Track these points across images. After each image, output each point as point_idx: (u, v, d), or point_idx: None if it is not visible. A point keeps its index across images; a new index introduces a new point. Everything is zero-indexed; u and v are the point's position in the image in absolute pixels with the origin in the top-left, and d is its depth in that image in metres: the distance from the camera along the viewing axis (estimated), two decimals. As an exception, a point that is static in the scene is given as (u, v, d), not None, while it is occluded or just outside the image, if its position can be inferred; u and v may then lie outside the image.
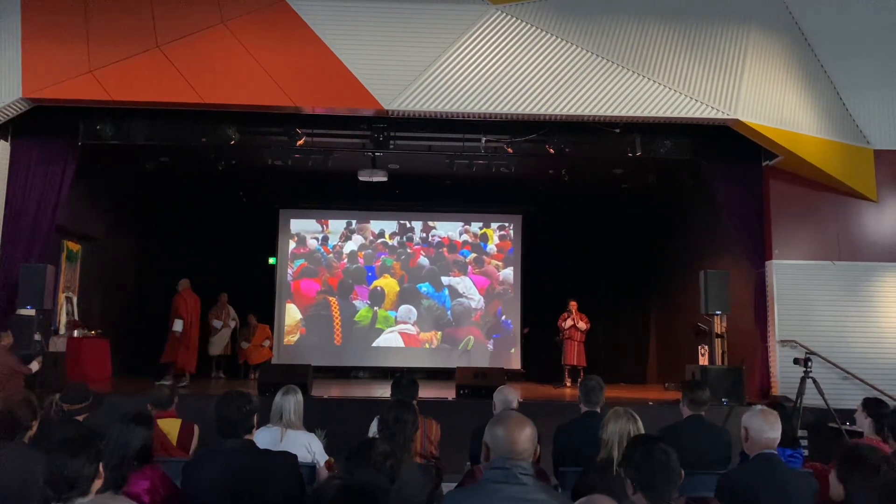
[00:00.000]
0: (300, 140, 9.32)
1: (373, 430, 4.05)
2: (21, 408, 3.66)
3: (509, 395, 4.65)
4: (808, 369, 7.49)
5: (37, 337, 8.29)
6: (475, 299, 13.63)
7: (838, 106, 9.15)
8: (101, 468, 2.58)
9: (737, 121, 8.44)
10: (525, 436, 2.46)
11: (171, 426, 4.44)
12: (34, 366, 7.49)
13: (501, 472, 2.38)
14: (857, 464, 2.59)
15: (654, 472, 2.48)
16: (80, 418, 4.29)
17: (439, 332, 13.41)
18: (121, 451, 3.04)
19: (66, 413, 4.31)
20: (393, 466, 2.70)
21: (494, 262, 13.80)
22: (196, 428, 4.59)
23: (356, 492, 1.79)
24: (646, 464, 2.50)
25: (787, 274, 9.08)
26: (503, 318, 13.63)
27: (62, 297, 10.09)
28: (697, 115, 8.48)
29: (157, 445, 3.58)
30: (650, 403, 8.47)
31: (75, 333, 9.95)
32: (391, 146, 9.53)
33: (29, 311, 8.33)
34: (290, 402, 4.28)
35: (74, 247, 10.57)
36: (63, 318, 10.11)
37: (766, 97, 8.63)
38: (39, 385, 7.36)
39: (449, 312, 13.54)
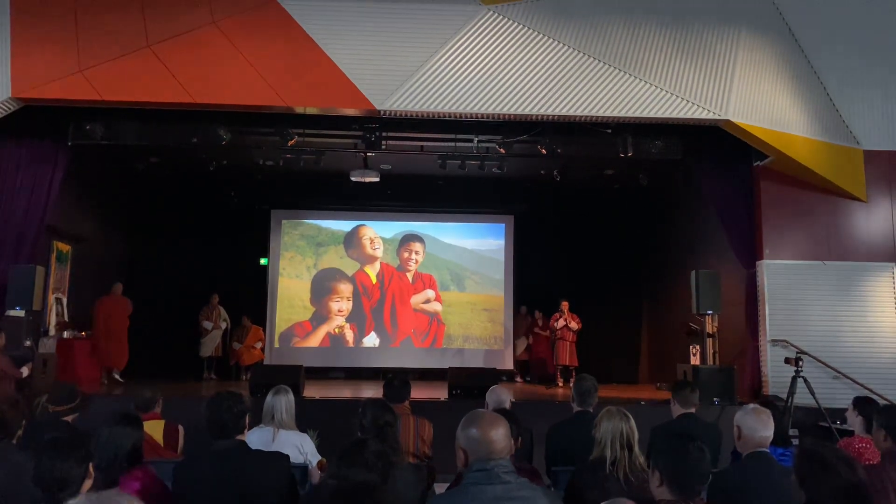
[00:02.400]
0: (292, 140, 9.29)
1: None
2: (8, 409, 3.63)
3: (502, 395, 4.65)
4: (799, 369, 7.53)
5: (27, 343, 8.25)
6: (469, 301, 13.64)
7: (828, 107, 9.20)
8: (91, 469, 2.56)
9: (727, 121, 8.47)
10: (501, 434, 2.41)
11: (154, 428, 4.39)
12: (24, 371, 7.44)
13: (483, 474, 2.34)
14: (816, 464, 2.55)
15: (688, 468, 2.50)
16: (68, 419, 4.25)
17: (434, 335, 13.42)
18: (111, 453, 3.02)
19: (51, 415, 4.26)
20: (385, 466, 2.69)
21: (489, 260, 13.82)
22: (181, 428, 4.56)
23: (352, 491, 1.78)
24: (681, 459, 2.51)
25: (778, 274, 9.11)
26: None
27: (52, 297, 10.01)
28: (688, 115, 8.50)
29: (145, 447, 3.55)
30: (642, 403, 8.49)
31: (65, 335, 9.88)
32: (383, 146, 9.52)
33: (18, 313, 8.27)
34: (282, 402, 4.26)
35: (64, 247, 10.48)
36: (53, 320, 10.03)
37: (757, 98, 8.67)
38: (29, 387, 7.32)
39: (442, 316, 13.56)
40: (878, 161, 9.28)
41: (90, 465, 2.56)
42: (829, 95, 9.19)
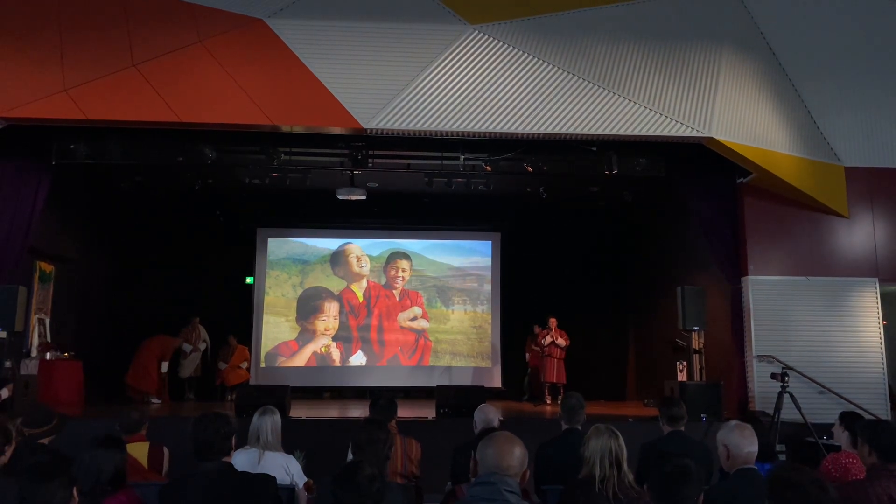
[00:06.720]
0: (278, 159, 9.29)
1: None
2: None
3: (490, 414, 4.63)
4: (785, 384, 7.56)
5: (8, 364, 8.12)
6: (456, 318, 13.62)
7: (809, 124, 9.32)
8: (74, 493, 2.51)
9: (711, 139, 8.56)
10: (515, 454, 2.48)
11: (139, 450, 4.29)
12: (4, 393, 7.33)
13: (487, 489, 2.36)
14: (786, 487, 2.57)
15: (678, 486, 2.50)
16: (45, 441, 4.12)
17: (422, 352, 13.37)
18: (93, 476, 2.97)
19: (26, 438, 4.13)
20: (378, 490, 2.67)
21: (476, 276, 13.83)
22: (166, 450, 4.48)
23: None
24: (668, 479, 2.52)
25: (763, 290, 9.18)
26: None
27: (34, 318, 9.88)
28: (672, 133, 8.57)
29: (129, 469, 3.50)
30: (630, 420, 8.48)
31: (47, 356, 9.74)
32: (369, 164, 9.53)
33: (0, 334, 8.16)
34: (268, 422, 4.21)
35: (47, 267, 10.38)
36: (35, 341, 9.90)
37: (739, 115, 8.77)
38: (10, 410, 7.20)
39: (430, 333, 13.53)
40: (858, 177, 9.41)
41: (74, 489, 2.52)
42: (810, 113, 9.33)
